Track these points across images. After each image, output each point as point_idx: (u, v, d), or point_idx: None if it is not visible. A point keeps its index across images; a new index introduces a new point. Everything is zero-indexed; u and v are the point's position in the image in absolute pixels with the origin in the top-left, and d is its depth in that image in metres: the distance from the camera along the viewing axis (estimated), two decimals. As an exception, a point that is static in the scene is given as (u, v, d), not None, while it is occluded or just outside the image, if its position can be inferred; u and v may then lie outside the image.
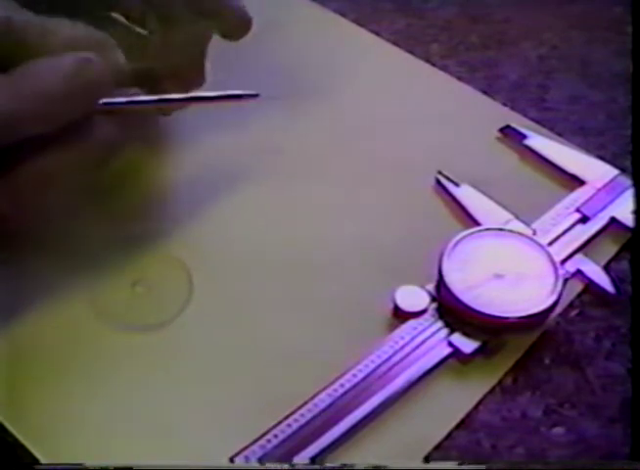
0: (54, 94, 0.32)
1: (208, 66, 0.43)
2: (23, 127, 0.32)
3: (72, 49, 0.34)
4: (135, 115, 0.36)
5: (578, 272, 0.40)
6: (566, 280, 0.39)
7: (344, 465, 0.33)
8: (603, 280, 0.40)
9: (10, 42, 0.34)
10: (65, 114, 0.33)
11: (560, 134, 0.47)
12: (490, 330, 0.37)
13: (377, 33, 0.52)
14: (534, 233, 0.41)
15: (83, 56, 0.33)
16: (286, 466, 0.33)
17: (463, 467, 0.33)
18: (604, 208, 0.43)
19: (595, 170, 0.44)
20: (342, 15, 0.53)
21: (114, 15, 0.42)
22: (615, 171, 0.44)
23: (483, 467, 0.34)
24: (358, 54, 0.51)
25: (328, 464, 0.34)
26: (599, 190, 0.43)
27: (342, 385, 0.36)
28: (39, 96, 0.32)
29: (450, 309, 0.38)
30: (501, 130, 0.47)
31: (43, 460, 0.34)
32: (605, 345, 0.38)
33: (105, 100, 0.34)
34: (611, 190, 0.43)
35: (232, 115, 0.46)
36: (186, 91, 0.39)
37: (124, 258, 0.40)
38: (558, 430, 0.36)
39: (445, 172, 0.44)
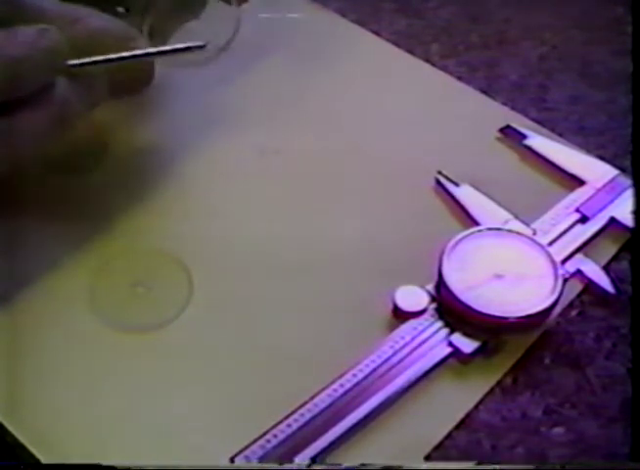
0: (19, 59, 0.34)
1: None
2: None
3: (100, 39, 0.36)
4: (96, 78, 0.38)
5: (578, 272, 0.40)
6: (566, 280, 0.39)
7: (363, 465, 0.33)
8: (603, 280, 0.40)
9: None
10: (29, 78, 0.34)
11: (560, 134, 0.47)
12: (490, 330, 0.37)
13: (377, 33, 0.52)
14: (534, 233, 0.41)
15: (41, 27, 0.35)
16: (288, 466, 0.33)
17: (478, 467, 0.33)
18: (604, 208, 0.43)
19: (595, 170, 0.44)
20: (343, 15, 0.53)
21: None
22: (615, 171, 0.44)
23: (484, 467, 0.34)
24: (358, 54, 0.51)
25: (346, 464, 0.34)
26: (599, 190, 0.43)
27: (342, 385, 0.36)
28: (6, 62, 0.33)
29: (450, 309, 0.38)
30: (501, 130, 0.46)
31: (43, 460, 0.34)
32: (605, 345, 0.38)
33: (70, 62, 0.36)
34: (611, 190, 0.43)
35: (233, 115, 0.46)
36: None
37: (124, 257, 0.40)
38: (558, 430, 0.36)
39: (445, 172, 0.44)
